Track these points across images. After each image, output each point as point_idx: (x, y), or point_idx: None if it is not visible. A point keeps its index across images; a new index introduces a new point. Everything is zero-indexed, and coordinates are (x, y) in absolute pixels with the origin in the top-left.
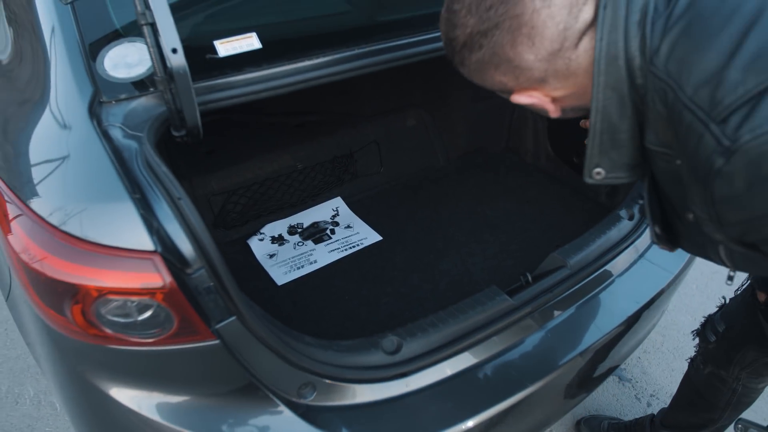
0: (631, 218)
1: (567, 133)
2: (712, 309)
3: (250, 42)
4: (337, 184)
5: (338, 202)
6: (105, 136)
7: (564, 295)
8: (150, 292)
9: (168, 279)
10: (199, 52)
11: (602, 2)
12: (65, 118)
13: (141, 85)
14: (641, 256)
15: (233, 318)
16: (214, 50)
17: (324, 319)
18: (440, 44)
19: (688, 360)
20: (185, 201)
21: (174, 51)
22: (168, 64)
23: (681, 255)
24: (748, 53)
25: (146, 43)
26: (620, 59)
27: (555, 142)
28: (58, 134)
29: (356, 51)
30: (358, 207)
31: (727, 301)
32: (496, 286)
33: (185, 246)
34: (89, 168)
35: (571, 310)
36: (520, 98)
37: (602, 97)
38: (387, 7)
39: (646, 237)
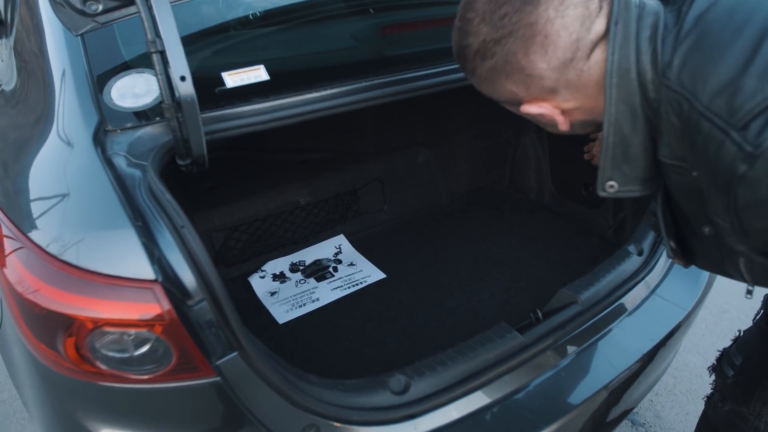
0: (640, 253)
1: (569, 169)
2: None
3: (258, 74)
4: (340, 222)
5: (341, 240)
6: (108, 163)
7: (576, 332)
8: (149, 323)
9: (168, 309)
10: (207, 84)
11: (613, 18)
12: (69, 146)
13: (147, 114)
14: (653, 292)
15: (235, 353)
16: (222, 81)
17: (327, 358)
18: (444, 78)
19: (705, 399)
20: (188, 229)
21: (182, 79)
22: (176, 92)
23: (694, 291)
24: (763, 62)
25: (155, 71)
26: (632, 73)
27: (557, 178)
28: (60, 162)
29: (363, 83)
30: (361, 244)
31: (742, 333)
32: (506, 323)
33: (187, 276)
34: (91, 195)
35: (584, 347)
36: (530, 108)
37: (614, 111)
38: (393, 43)
39: (656, 272)
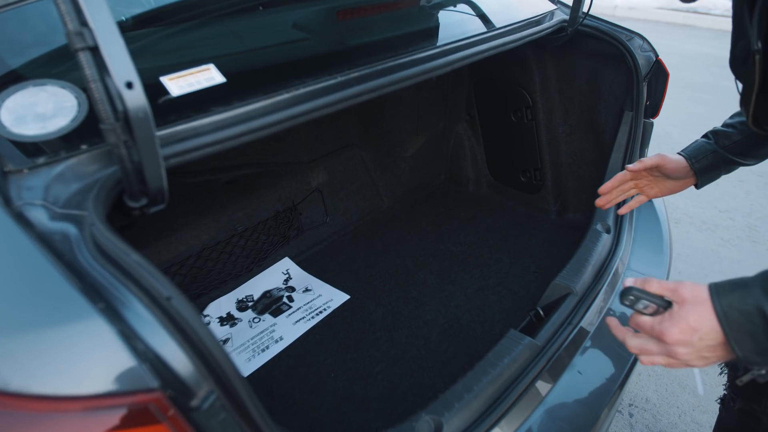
0: (608, 231)
1: (504, 156)
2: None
3: (208, 75)
4: (283, 243)
5: (287, 264)
6: (20, 219)
7: (581, 323)
8: None
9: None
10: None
11: None
12: None
13: (66, 142)
14: (628, 267)
15: None
16: (163, 89)
17: (313, 406)
18: (419, 68)
19: (718, 401)
20: (178, 300)
21: (129, 86)
22: (121, 105)
23: (662, 259)
24: None
25: (87, 77)
26: None
27: (493, 167)
28: None
29: (348, 76)
30: (310, 265)
31: None
32: (515, 330)
33: (185, 365)
34: (6, 276)
35: (592, 339)
36: None
37: None
38: (363, 30)
39: (626, 248)
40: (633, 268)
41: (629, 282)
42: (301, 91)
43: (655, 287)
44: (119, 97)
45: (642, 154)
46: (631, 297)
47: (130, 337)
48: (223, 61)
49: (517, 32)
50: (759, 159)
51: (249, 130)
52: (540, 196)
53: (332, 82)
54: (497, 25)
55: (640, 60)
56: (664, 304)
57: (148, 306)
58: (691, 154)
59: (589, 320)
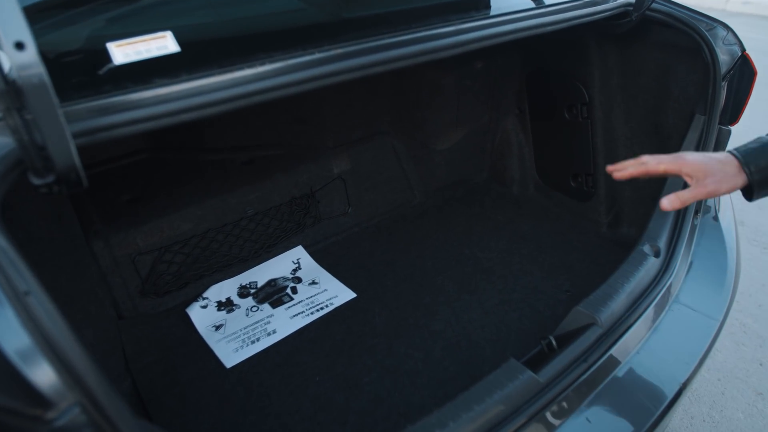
0: (657, 254)
1: (556, 157)
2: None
3: (162, 44)
4: (298, 231)
5: (300, 252)
6: None
7: (600, 362)
8: None
9: None
10: (83, 61)
11: None
12: None
13: None
14: (676, 301)
15: None
16: (107, 57)
17: (289, 412)
18: (422, 46)
19: None
20: (38, 296)
21: (19, 47)
22: (9, 71)
23: (721, 295)
24: None
25: None
26: None
27: (543, 168)
28: None
29: (316, 56)
30: (324, 256)
31: None
32: (514, 359)
33: (44, 373)
34: None
35: (611, 382)
36: None
37: None
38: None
39: (677, 276)
40: (682, 302)
41: None
42: (266, 67)
43: None
44: (8, 61)
45: None
46: None
47: None
48: (184, 30)
49: (559, 13)
50: None
51: (195, 106)
52: (591, 205)
53: (307, 58)
54: (534, 3)
55: (721, 54)
56: None
57: (8, 298)
58: (749, 157)
59: (613, 359)
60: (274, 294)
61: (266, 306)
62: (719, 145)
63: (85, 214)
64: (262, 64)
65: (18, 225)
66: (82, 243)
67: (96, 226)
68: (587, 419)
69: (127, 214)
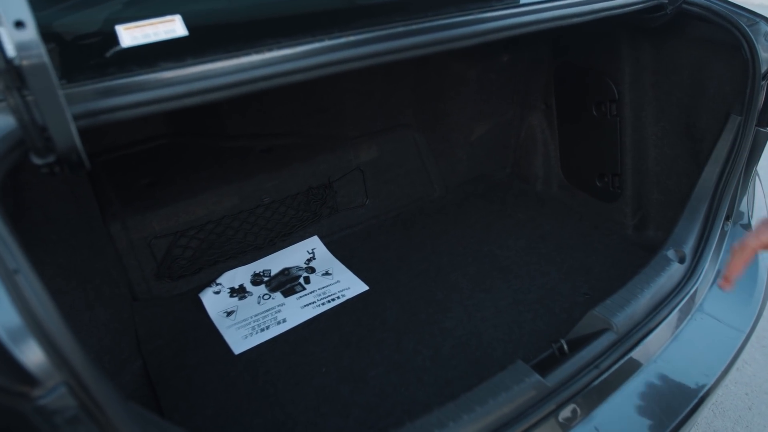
0: (682, 260)
1: (582, 156)
2: None
3: (170, 27)
4: (314, 221)
5: (315, 243)
6: None
7: (613, 369)
8: None
9: None
10: (90, 44)
11: None
12: None
13: None
14: (700, 310)
15: None
16: (115, 39)
17: (293, 401)
18: (436, 35)
19: None
20: (26, 275)
21: (19, 25)
22: (8, 51)
23: (749, 306)
24: None
25: None
26: None
27: (568, 166)
28: None
29: (326, 43)
30: (338, 248)
31: None
32: (522, 362)
33: (31, 351)
34: None
35: (624, 391)
36: None
37: None
38: None
39: (703, 284)
40: (706, 311)
41: None
42: (274, 53)
43: None
44: (8, 41)
45: (748, 172)
46: None
47: None
48: (193, 14)
49: (588, 4)
50: None
51: (198, 90)
52: (616, 206)
53: (316, 45)
54: None
55: (762, 52)
56: None
57: None
58: None
59: (627, 367)
60: (287, 283)
61: (278, 294)
62: (755, 148)
63: (104, 196)
64: (270, 50)
65: (36, 205)
66: (99, 224)
67: (114, 208)
68: (596, 428)
69: (145, 197)
